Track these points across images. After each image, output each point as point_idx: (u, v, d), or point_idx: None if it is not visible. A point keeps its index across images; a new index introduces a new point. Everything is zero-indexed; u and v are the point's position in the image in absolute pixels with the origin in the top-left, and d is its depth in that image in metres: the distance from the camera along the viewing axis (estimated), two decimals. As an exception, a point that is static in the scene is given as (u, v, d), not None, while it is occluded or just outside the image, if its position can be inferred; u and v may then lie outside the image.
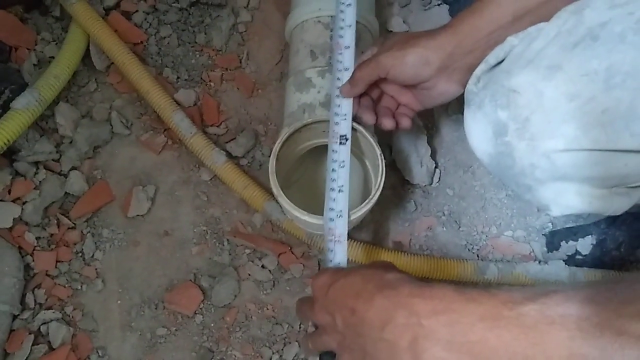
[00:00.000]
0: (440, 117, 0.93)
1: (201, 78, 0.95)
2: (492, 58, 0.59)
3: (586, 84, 0.51)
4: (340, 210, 0.68)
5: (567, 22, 0.53)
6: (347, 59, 0.71)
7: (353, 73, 0.69)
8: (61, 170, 0.87)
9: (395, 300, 0.47)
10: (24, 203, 0.83)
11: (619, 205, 0.59)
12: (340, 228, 0.67)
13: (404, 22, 0.98)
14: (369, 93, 0.71)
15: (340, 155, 0.69)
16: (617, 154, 0.53)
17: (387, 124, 0.69)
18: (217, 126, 0.93)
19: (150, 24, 0.96)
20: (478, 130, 0.59)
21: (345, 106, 0.70)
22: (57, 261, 0.84)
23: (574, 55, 0.52)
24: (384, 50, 0.66)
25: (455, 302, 0.45)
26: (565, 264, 0.84)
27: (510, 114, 0.55)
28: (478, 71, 0.60)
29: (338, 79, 0.71)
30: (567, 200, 0.58)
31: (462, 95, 0.63)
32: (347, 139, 0.69)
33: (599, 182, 0.57)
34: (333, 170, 0.69)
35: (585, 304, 0.40)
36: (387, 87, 0.71)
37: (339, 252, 0.67)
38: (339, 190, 0.68)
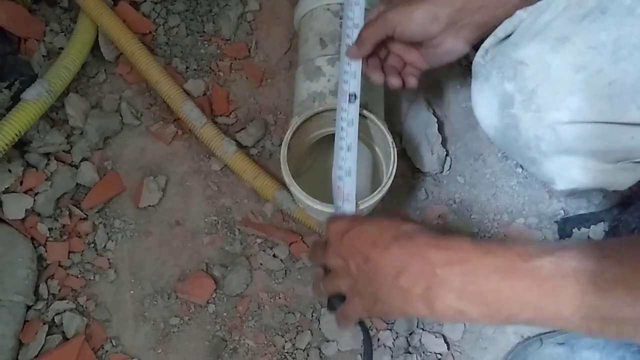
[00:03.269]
0: (450, 105, 0.93)
1: (210, 68, 0.95)
2: (500, 31, 0.58)
3: (593, 56, 0.51)
4: (349, 169, 0.68)
5: None
6: (357, 15, 0.71)
7: (359, 33, 0.67)
8: (72, 161, 0.88)
9: (411, 249, 0.48)
10: (35, 194, 0.84)
11: (624, 180, 0.59)
12: (348, 187, 0.68)
13: None
14: (376, 52, 0.70)
15: (349, 114, 0.69)
16: (623, 127, 0.53)
17: (394, 82, 0.68)
18: (227, 116, 0.92)
19: (158, 14, 0.96)
20: (484, 102, 0.59)
21: (354, 64, 0.70)
22: (69, 252, 0.84)
23: (582, 27, 0.52)
24: (391, 7, 0.65)
25: (470, 254, 0.45)
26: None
27: (516, 85, 0.55)
28: (486, 44, 0.60)
29: (348, 36, 0.70)
30: (572, 173, 0.58)
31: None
32: (356, 97, 0.69)
33: (604, 156, 0.57)
34: (342, 128, 0.69)
35: (600, 259, 0.41)
36: (394, 45, 0.70)
37: (348, 211, 0.68)
38: (348, 149, 0.69)
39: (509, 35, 0.58)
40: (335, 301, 0.60)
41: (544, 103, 0.54)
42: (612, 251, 0.41)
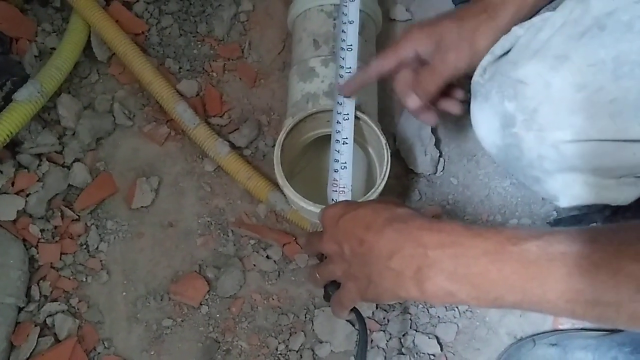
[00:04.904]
0: (444, 105, 0.93)
1: (203, 68, 0.95)
2: (498, 49, 0.59)
3: (594, 74, 0.51)
4: (345, 162, 0.70)
5: (574, 12, 0.53)
6: (351, 12, 0.73)
7: (421, 91, 0.66)
8: (64, 162, 0.87)
9: (404, 232, 0.49)
10: (27, 195, 0.83)
11: (627, 195, 0.59)
12: (344, 179, 0.70)
13: (406, 10, 0.98)
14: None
15: (345, 109, 0.71)
16: (626, 144, 0.53)
17: (431, 119, 0.72)
18: (220, 117, 0.92)
19: (151, 14, 0.96)
20: (485, 122, 0.59)
21: (349, 60, 0.71)
22: (61, 253, 0.84)
23: (581, 45, 0.52)
24: (436, 62, 0.64)
25: (462, 236, 0.46)
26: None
27: (517, 105, 0.55)
28: (484, 62, 0.60)
29: (343, 31, 0.71)
30: (575, 190, 0.58)
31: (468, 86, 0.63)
32: None
33: (607, 172, 0.57)
34: (338, 122, 0.70)
35: (586, 244, 0.41)
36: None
37: None
38: (344, 143, 0.70)
39: (506, 52, 0.58)
40: (331, 289, 0.60)
41: (546, 122, 0.54)
42: (599, 236, 0.42)
